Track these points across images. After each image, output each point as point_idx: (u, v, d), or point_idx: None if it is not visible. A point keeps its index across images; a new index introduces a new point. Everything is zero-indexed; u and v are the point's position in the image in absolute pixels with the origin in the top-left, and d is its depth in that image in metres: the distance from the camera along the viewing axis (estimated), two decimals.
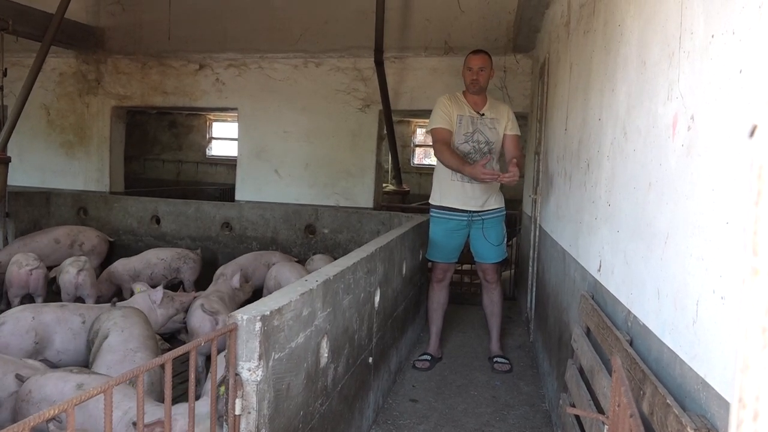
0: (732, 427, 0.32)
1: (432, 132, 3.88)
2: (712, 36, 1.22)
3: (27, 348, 3.07)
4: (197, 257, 5.44)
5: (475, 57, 3.87)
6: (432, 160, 10.31)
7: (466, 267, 5.67)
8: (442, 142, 3.78)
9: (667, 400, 1.19)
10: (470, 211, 3.90)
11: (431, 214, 4.08)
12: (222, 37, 6.82)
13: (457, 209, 3.91)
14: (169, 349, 2.46)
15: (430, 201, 4.08)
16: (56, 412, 1.09)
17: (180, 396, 2.95)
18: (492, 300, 4.10)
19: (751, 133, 0.30)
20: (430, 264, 4.26)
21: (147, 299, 3.83)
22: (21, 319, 3.14)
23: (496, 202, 3.95)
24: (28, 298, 4.53)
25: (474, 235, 3.96)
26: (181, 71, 7.12)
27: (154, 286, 5.10)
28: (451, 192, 3.91)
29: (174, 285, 5.13)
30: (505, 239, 4.07)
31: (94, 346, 2.86)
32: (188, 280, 5.26)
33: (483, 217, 3.91)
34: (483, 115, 3.88)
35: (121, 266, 5.15)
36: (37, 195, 6.55)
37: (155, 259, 5.24)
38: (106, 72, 7.32)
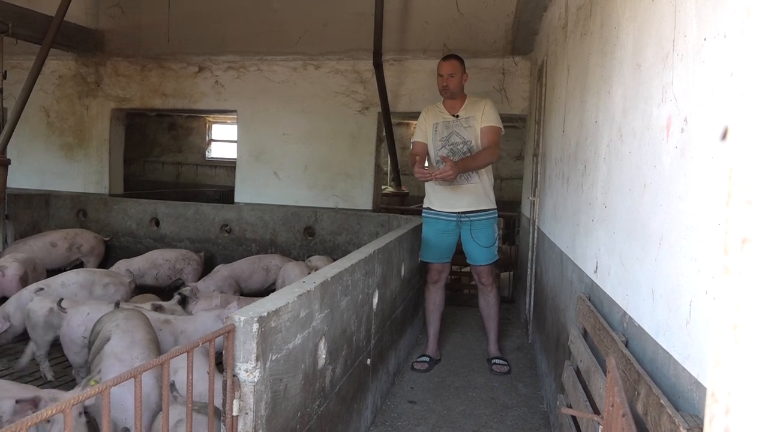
0: (706, 421, 0.33)
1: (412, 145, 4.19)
2: (704, 39, 1.24)
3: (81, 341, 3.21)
4: (200, 259, 5.47)
5: (444, 63, 3.89)
6: None
7: (465, 269, 5.68)
8: (413, 154, 4.03)
9: (661, 401, 1.20)
10: (458, 213, 3.93)
11: (423, 215, 4.13)
12: (221, 39, 6.84)
13: (445, 211, 3.96)
14: None
15: (423, 203, 4.16)
16: (54, 412, 1.10)
17: None
18: (488, 303, 4.11)
19: (723, 136, 0.31)
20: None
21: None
22: (81, 312, 3.32)
23: (485, 204, 3.95)
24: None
25: (463, 236, 3.99)
26: (181, 74, 7.13)
27: (158, 288, 5.14)
28: (438, 195, 3.98)
29: (177, 285, 5.14)
30: (497, 242, 4.08)
31: (94, 347, 2.85)
32: (190, 281, 5.28)
33: (471, 219, 3.93)
34: (458, 116, 3.91)
35: (125, 268, 5.15)
36: (37, 197, 6.56)
37: (161, 260, 5.28)
38: (105, 74, 7.33)
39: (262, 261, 5.23)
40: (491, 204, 3.98)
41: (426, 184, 4.04)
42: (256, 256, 5.39)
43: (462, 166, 3.65)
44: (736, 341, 0.31)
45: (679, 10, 1.42)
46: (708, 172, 1.17)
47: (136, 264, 5.19)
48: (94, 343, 2.91)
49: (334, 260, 3.30)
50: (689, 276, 1.24)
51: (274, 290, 4.72)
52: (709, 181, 1.16)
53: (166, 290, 5.13)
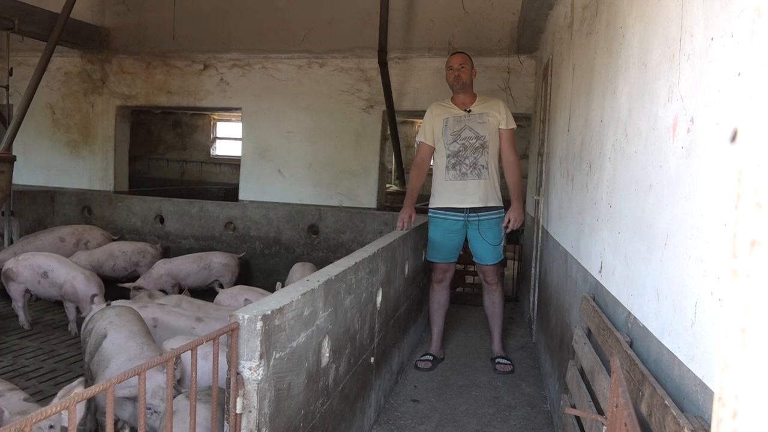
0: (713, 425, 0.33)
1: (417, 145, 4.18)
2: (712, 39, 1.23)
3: None
4: (156, 252, 5.51)
5: (454, 56, 3.99)
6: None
7: (469, 267, 5.67)
8: (417, 163, 4.06)
9: (665, 401, 1.19)
10: (466, 210, 3.90)
11: (429, 215, 4.10)
12: (226, 37, 6.84)
13: (453, 208, 3.92)
14: None
15: (429, 203, 4.12)
16: (58, 409, 1.10)
17: None
18: (493, 301, 4.10)
19: (733, 138, 0.31)
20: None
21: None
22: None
23: (493, 201, 3.92)
24: None
25: (471, 235, 3.96)
26: (186, 71, 7.14)
27: (117, 278, 5.17)
28: (446, 191, 3.93)
29: (134, 277, 5.17)
30: (504, 240, 4.06)
31: (89, 347, 2.85)
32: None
33: (480, 217, 3.90)
34: (470, 111, 3.90)
35: (85, 258, 5.24)
36: (42, 194, 6.59)
37: (117, 251, 5.40)
38: (110, 71, 7.35)
39: (203, 259, 5.23)
40: (499, 201, 3.96)
41: (433, 181, 4.03)
42: (197, 254, 5.39)
43: (520, 203, 3.96)
44: (744, 344, 0.31)
45: (686, 9, 1.41)
46: (715, 173, 1.17)
47: (96, 255, 5.31)
48: (87, 341, 2.89)
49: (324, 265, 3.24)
50: (695, 277, 1.24)
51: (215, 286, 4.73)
52: (716, 182, 1.16)
53: (125, 281, 5.17)
